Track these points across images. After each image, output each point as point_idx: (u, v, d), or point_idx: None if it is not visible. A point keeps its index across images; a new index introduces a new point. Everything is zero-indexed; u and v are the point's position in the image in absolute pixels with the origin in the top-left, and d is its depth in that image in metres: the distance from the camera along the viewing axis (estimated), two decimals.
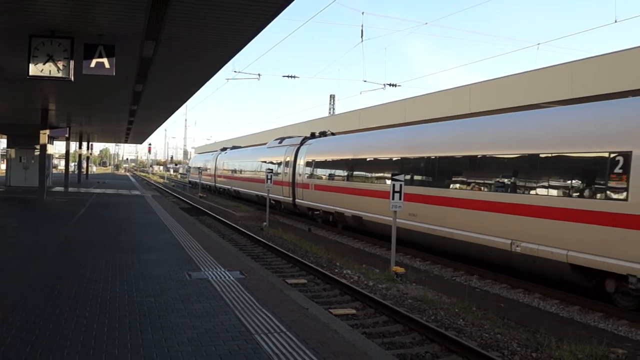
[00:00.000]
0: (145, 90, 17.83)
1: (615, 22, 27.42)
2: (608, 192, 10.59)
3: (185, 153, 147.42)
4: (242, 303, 7.79)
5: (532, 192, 12.57)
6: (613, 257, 10.31)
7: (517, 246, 12.59)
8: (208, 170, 50.63)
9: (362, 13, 55.62)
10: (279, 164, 29.74)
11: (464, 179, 15.12)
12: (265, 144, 37.19)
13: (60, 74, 10.67)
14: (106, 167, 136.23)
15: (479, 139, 14.96)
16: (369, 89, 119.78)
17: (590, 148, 11.31)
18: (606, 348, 8.14)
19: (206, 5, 8.96)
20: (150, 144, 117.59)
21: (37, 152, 27.91)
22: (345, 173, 22.41)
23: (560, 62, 23.71)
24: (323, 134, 28.77)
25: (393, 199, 13.45)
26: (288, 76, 33.42)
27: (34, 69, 10.60)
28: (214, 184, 48.64)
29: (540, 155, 12.42)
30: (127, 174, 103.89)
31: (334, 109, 70.00)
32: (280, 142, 31.98)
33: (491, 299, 11.80)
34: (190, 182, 63.32)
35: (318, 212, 24.81)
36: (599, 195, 10.81)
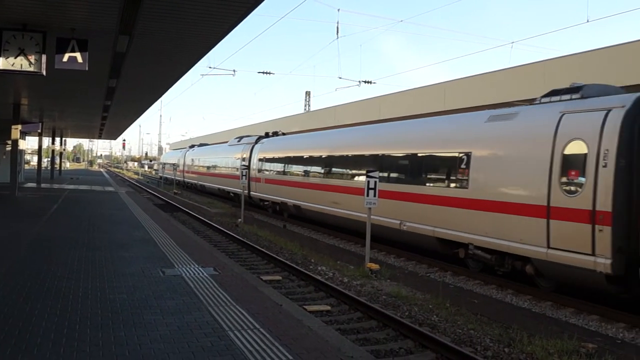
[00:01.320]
0: (119, 86, 17.65)
1: (588, 21, 27.95)
2: (457, 183, 13.85)
3: (160, 149, 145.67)
4: (215, 300, 7.76)
5: (412, 183, 15.64)
6: (461, 231, 13.44)
7: (404, 225, 15.58)
8: (179, 167, 51.56)
9: (338, 10, 55.75)
10: (237, 160, 31.90)
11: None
12: (227, 142, 39.74)
13: (32, 68, 10.52)
14: (80, 163, 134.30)
15: (380, 140, 18.41)
16: (344, 85, 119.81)
17: (447, 149, 14.52)
18: (577, 343, 8.26)
19: (180, 0, 8.89)
20: (124, 140, 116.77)
21: (8, 148, 27.45)
22: (287, 168, 25.47)
23: (534, 60, 24.01)
24: (275, 133, 31.42)
25: (367, 195, 13.51)
26: (263, 72, 32.99)
27: (5, 63, 10.41)
28: (182, 179, 50.82)
29: (418, 154, 15.77)
30: (101, 170, 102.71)
31: (309, 105, 70.04)
32: (239, 141, 34.64)
33: (465, 295, 11.91)
34: (161, 177, 63.19)
35: (268, 203, 27.51)
36: (452, 185, 14.07)
